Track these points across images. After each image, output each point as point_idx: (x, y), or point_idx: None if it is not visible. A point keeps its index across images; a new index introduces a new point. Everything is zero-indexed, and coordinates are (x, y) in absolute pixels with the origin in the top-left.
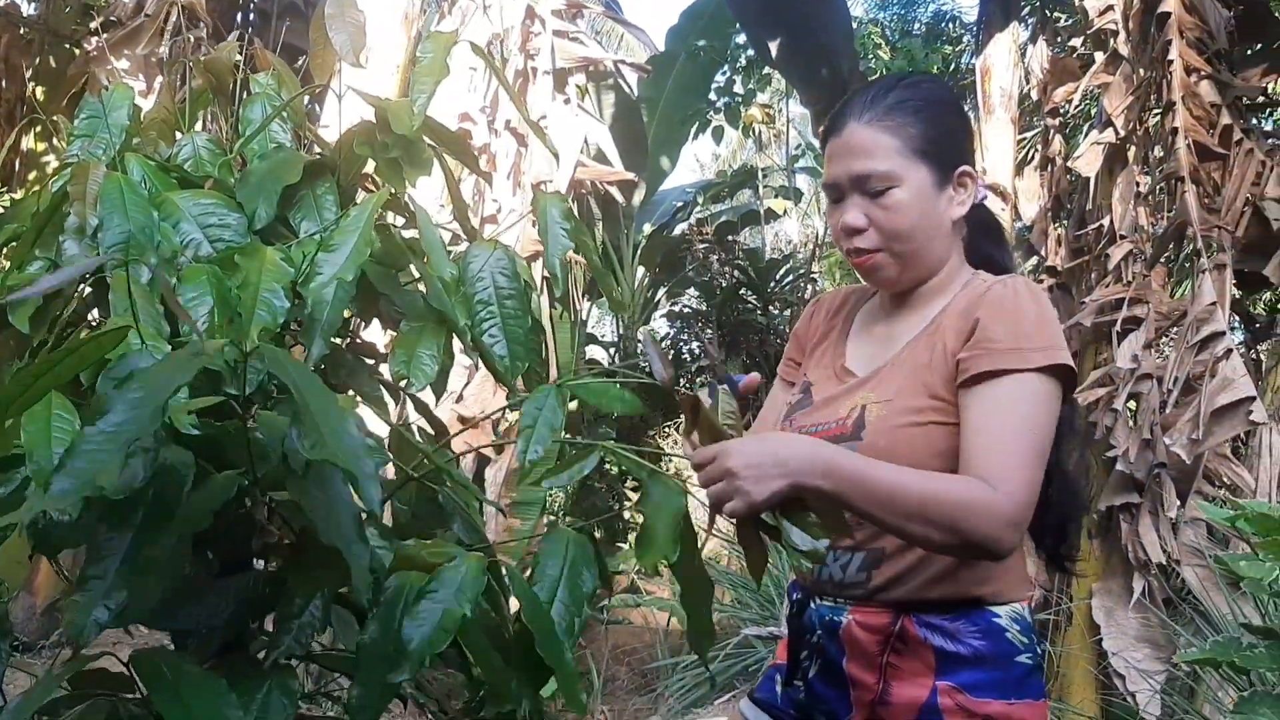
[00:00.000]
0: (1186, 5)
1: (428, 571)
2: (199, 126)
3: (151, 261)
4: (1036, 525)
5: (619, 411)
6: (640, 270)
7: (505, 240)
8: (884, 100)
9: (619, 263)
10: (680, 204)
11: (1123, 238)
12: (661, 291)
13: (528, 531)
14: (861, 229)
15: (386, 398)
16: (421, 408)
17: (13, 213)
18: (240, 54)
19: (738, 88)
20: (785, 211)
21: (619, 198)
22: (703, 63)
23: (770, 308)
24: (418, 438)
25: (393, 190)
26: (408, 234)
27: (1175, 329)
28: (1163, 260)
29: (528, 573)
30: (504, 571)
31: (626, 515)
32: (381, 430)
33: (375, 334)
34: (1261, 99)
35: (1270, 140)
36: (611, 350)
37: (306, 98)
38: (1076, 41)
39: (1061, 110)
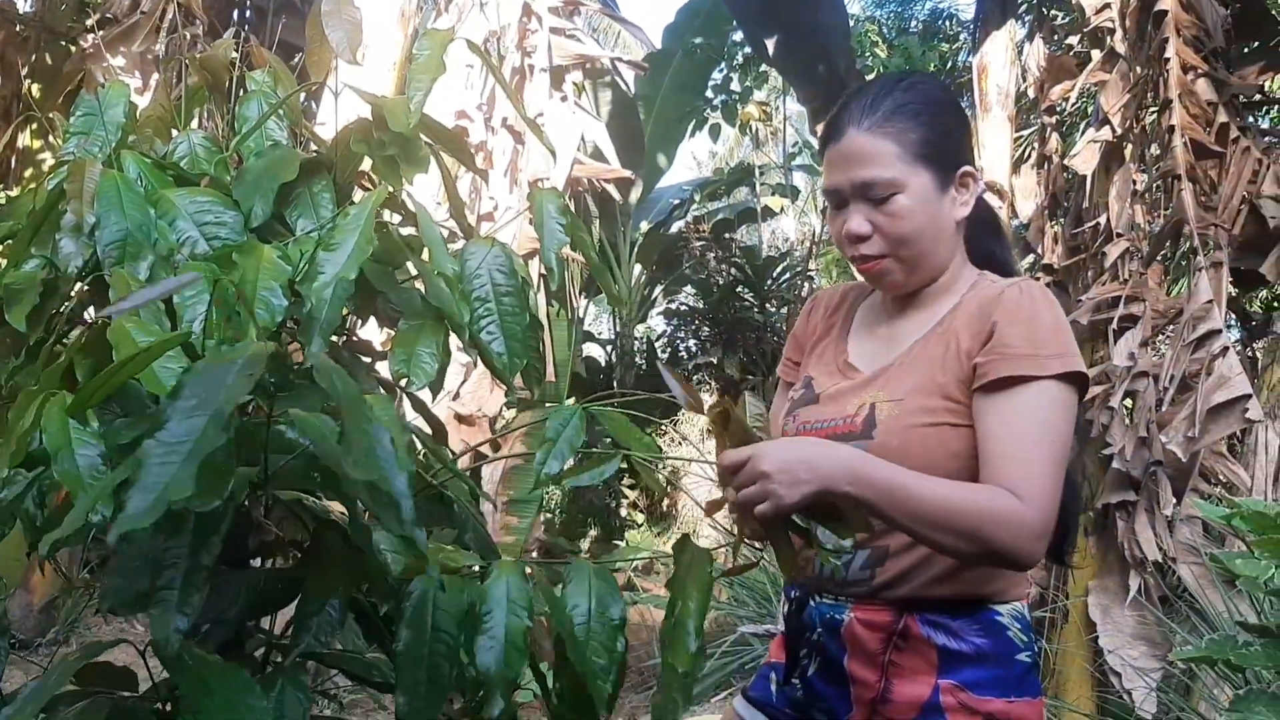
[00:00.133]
0: (1183, 3)
1: (448, 574)
2: (195, 124)
3: (148, 259)
4: None
5: (635, 450)
6: (637, 268)
7: (502, 238)
8: (883, 105)
9: (616, 260)
10: (677, 201)
11: (1119, 236)
12: (658, 289)
13: (525, 529)
14: (866, 236)
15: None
16: (419, 406)
17: (9, 210)
18: (236, 51)
19: (735, 85)
20: (782, 209)
21: (616, 195)
22: (700, 60)
23: (767, 305)
24: (415, 437)
25: (390, 188)
26: (404, 232)
27: (1171, 327)
28: (1159, 258)
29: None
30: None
31: (623, 513)
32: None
33: (370, 332)
34: (1258, 97)
35: (1267, 138)
36: (609, 348)
37: (303, 95)
38: (1073, 39)
39: (1058, 108)
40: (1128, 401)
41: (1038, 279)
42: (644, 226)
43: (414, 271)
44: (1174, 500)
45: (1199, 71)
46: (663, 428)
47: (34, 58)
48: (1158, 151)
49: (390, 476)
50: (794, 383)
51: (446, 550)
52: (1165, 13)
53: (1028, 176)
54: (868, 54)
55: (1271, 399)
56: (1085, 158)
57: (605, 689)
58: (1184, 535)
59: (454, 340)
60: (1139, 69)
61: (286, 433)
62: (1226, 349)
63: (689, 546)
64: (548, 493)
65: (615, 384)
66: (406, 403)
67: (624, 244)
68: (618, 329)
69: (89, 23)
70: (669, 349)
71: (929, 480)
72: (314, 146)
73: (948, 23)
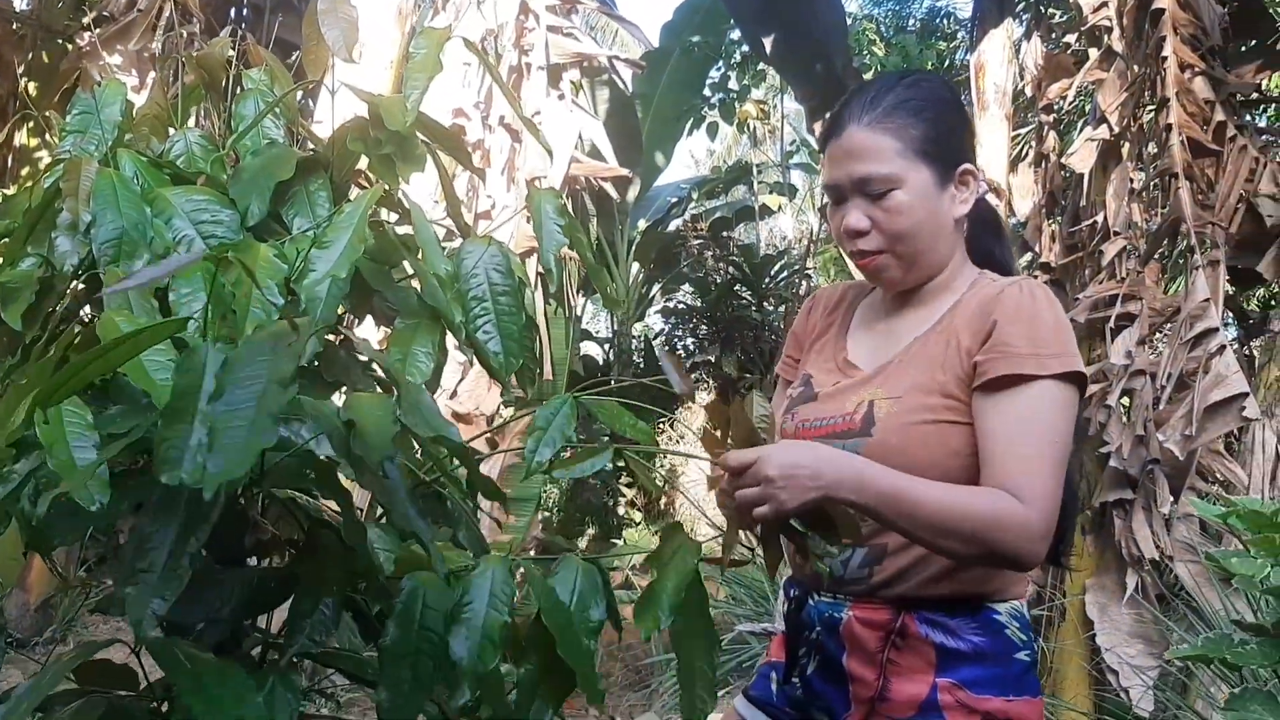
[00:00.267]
0: (1181, 2)
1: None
2: (191, 122)
3: (144, 258)
4: None
5: (630, 436)
6: (635, 266)
7: (499, 236)
8: (884, 101)
9: (613, 259)
10: (675, 200)
11: (1116, 234)
12: (656, 287)
13: (523, 527)
14: (864, 231)
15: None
16: None
17: (5, 209)
18: (233, 49)
19: (732, 84)
20: (780, 207)
21: (613, 194)
22: (697, 58)
23: (765, 303)
24: (412, 436)
25: (386, 186)
26: (401, 230)
27: (1169, 325)
28: (1156, 256)
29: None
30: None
31: (621, 512)
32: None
33: (368, 330)
34: (1255, 95)
35: (1264, 137)
36: (606, 346)
37: (300, 94)
38: (1071, 38)
39: (1055, 106)
40: (1125, 400)
41: (1035, 277)
42: (641, 225)
43: (410, 270)
44: (1171, 499)
45: (1196, 70)
46: (660, 426)
47: (30, 56)
48: (1155, 150)
49: (447, 429)
50: (793, 380)
51: (439, 547)
52: (1162, 11)
53: (1025, 175)
54: (865, 52)
55: (1268, 397)
56: (1082, 156)
57: (581, 644)
58: (1181, 534)
59: (450, 339)
60: (1136, 67)
61: (280, 431)
62: (1224, 347)
63: (680, 534)
64: (545, 491)
65: (613, 383)
66: None
67: (621, 242)
68: (615, 327)
69: (85, 21)
70: (667, 347)
71: (931, 485)
72: (311, 145)
73: (945, 21)
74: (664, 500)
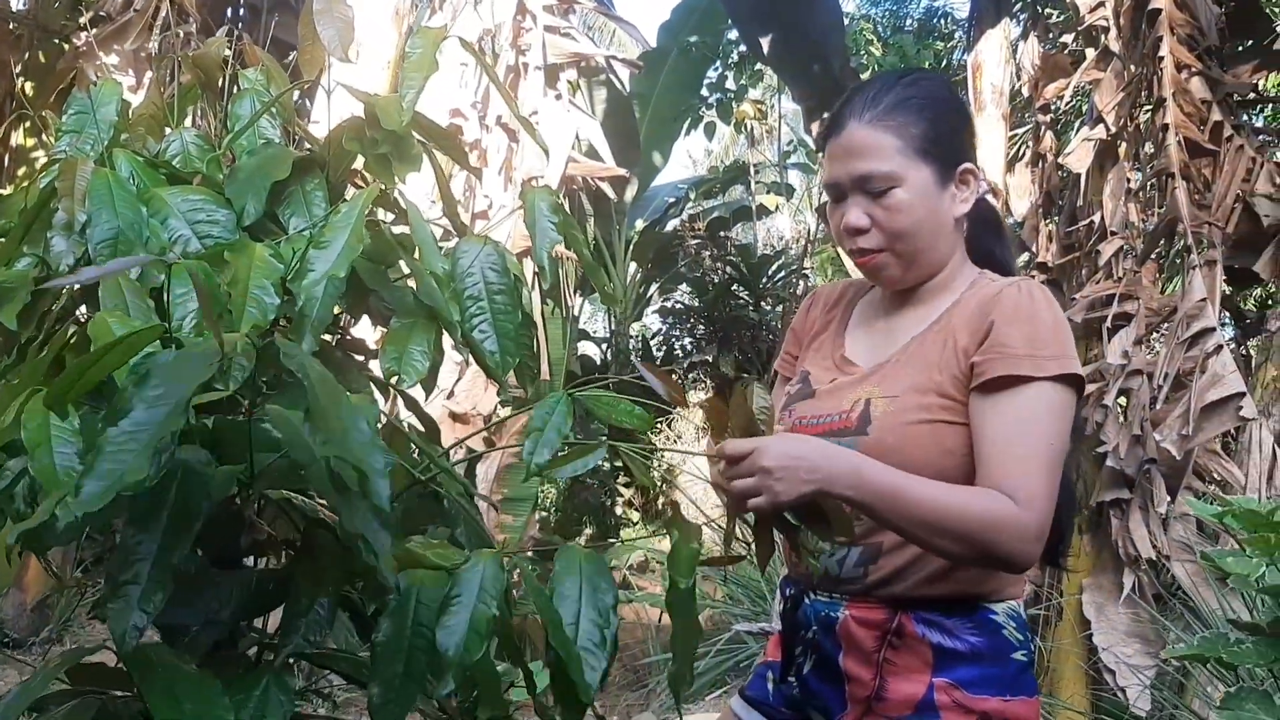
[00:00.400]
0: (1177, 2)
1: (432, 570)
2: (188, 122)
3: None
4: None
5: (627, 425)
6: (632, 266)
7: (496, 236)
8: (885, 99)
9: (611, 258)
10: (672, 200)
11: (1113, 234)
12: (653, 287)
13: (520, 527)
14: (864, 229)
15: (376, 394)
16: (412, 404)
17: (1, 208)
18: (229, 49)
19: (730, 84)
20: (777, 207)
21: (611, 194)
22: (695, 58)
23: (762, 303)
24: (408, 435)
25: (382, 186)
26: (397, 230)
27: (1165, 325)
28: (1153, 256)
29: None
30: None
31: (619, 511)
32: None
33: (364, 330)
34: (1252, 95)
35: (1260, 137)
36: (604, 346)
37: (296, 93)
38: (1068, 38)
39: (1052, 106)
40: (1122, 399)
41: (1033, 277)
42: (639, 225)
43: (407, 270)
44: (1168, 498)
45: (1193, 70)
46: (657, 426)
47: (26, 55)
48: (1152, 150)
49: (365, 455)
50: (791, 377)
51: (435, 547)
52: (1159, 11)
53: (1022, 175)
54: (862, 52)
55: (1265, 397)
56: (1079, 156)
57: (595, 673)
58: (1178, 533)
59: (447, 339)
60: (1133, 67)
61: (273, 431)
62: (1220, 347)
63: (680, 518)
64: (543, 491)
65: (610, 383)
66: (399, 401)
67: (619, 242)
68: (613, 327)
69: (82, 20)
70: (664, 347)
71: (926, 484)
72: (307, 145)
73: (942, 21)
74: (661, 499)
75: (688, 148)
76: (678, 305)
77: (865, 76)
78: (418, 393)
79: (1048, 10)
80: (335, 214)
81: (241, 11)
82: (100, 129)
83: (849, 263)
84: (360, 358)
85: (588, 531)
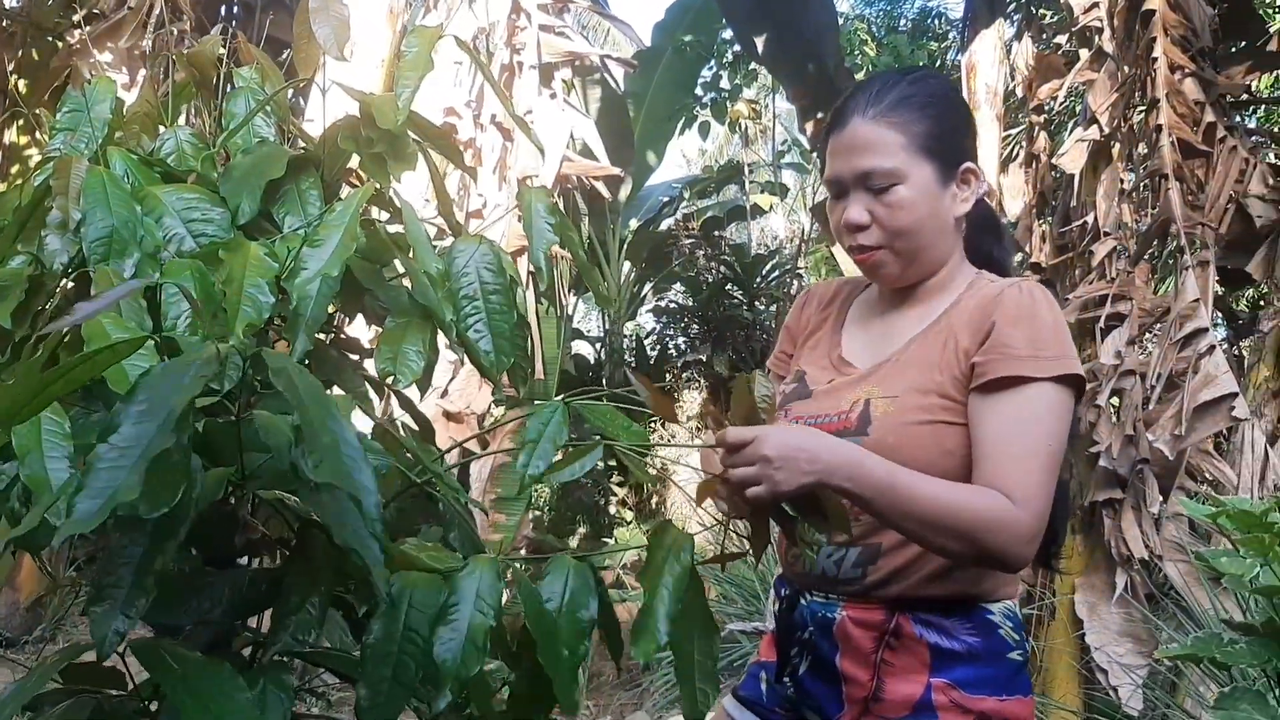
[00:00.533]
0: (1171, 3)
1: (426, 572)
2: (182, 120)
3: (134, 256)
4: None
5: (623, 439)
6: (626, 265)
7: (491, 235)
8: (888, 96)
9: (605, 258)
10: (666, 199)
11: (1107, 234)
12: (648, 287)
13: (513, 527)
14: (864, 225)
15: (370, 394)
16: (406, 404)
17: None
18: (224, 47)
19: (724, 83)
20: (771, 207)
21: (605, 193)
22: (689, 58)
23: (756, 303)
24: (402, 434)
25: (377, 185)
26: (392, 229)
27: (1158, 325)
28: (1146, 257)
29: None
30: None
31: (612, 510)
32: (365, 426)
33: (359, 329)
34: (1245, 97)
35: (1254, 138)
36: (597, 345)
37: (290, 92)
38: (1061, 38)
39: (1046, 107)
40: (1115, 399)
41: (1027, 276)
42: (633, 224)
43: (401, 269)
44: (1160, 498)
45: (1186, 71)
46: (652, 424)
47: (20, 53)
48: (1145, 151)
49: (353, 473)
50: (785, 375)
51: (428, 549)
52: (1153, 12)
53: (1016, 175)
54: (856, 52)
55: (1257, 397)
56: (1073, 156)
57: (568, 682)
58: (1170, 533)
59: (441, 338)
60: (1127, 68)
61: (263, 432)
62: (1213, 347)
63: (670, 531)
64: (536, 490)
65: (604, 381)
66: (394, 400)
67: (613, 241)
68: (607, 326)
69: (75, 18)
70: (658, 346)
71: (925, 480)
72: (302, 143)
73: (936, 21)
74: (655, 499)
75: (682, 147)
76: (672, 304)
77: (860, 76)
78: (412, 392)
79: (1042, 11)
80: (330, 213)
81: (236, 9)
82: (95, 127)
83: (843, 262)
84: (355, 357)
85: (581, 531)
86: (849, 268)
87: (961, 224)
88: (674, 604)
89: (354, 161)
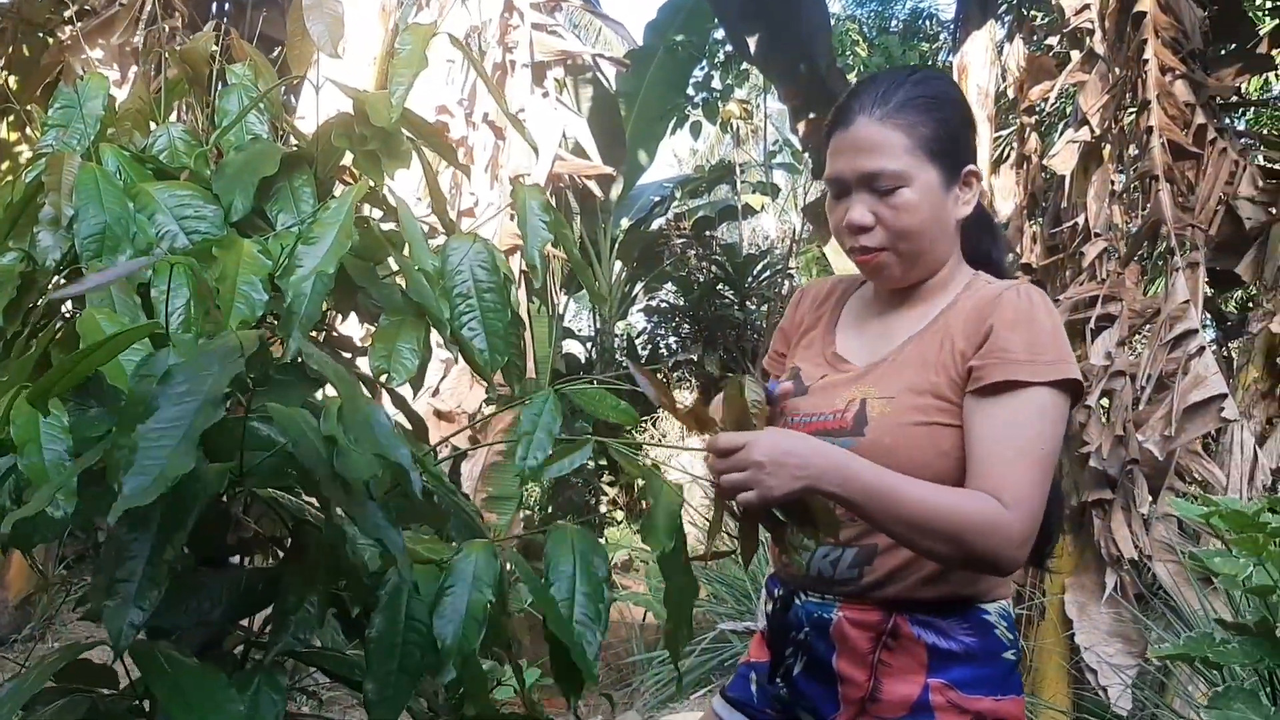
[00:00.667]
0: (1162, 5)
1: (422, 564)
2: (174, 117)
3: (127, 253)
4: None
5: (614, 420)
6: (618, 265)
7: (483, 233)
8: (895, 96)
9: (596, 257)
10: (658, 199)
11: (1097, 235)
12: (639, 286)
13: (504, 526)
14: (868, 227)
15: (365, 392)
16: (400, 402)
17: None
18: (216, 44)
19: (716, 83)
20: (763, 207)
21: (597, 192)
22: (681, 58)
23: (747, 303)
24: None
25: (371, 183)
26: (386, 227)
27: (1148, 326)
28: (1137, 258)
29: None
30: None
31: (603, 509)
32: None
33: (352, 327)
34: (1235, 99)
35: (1243, 140)
36: (588, 344)
37: (283, 89)
38: (1053, 40)
39: (1037, 108)
40: (1105, 400)
41: (1018, 278)
42: (625, 223)
43: (395, 267)
44: (1150, 499)
45: (1177, 73)
46: (643, 425)
47: (11, 49)
48: (1136, 152)
49: (393, 448)
50: (779, 376)
51: (426, 541)
52: (1144, 14)
53: (1007, 176)
54: (848, 53)
55: (1246, 398)
56: (1064, 158)
57: (591, 648)
58: (1160, 533)
59: (434, 336)
60: (1118, 70)
61: (262, 430)
62: (1203, 349)
63: (657, 479)
64: (526, 489)
65: (594, 381)
66: (386, 399)
67: (605, 241)
68: (598, 325)
69: (67, 14)
70: (649, 346)
71: (915, 484)
72: (295, 141)
73: (928, 22)
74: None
75: (673, 147)
76: (663, 304)
77: (851, 77)
78: (405, 390)
79: (1033, 12)
80: (324, 210)
81: (228, 6)
82: (87, 123)
83: (835, 262)
84: (348, 355)
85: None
86: (840, 268)
87: (960, 226)
88: (669, 519)
89: (347, 159)
